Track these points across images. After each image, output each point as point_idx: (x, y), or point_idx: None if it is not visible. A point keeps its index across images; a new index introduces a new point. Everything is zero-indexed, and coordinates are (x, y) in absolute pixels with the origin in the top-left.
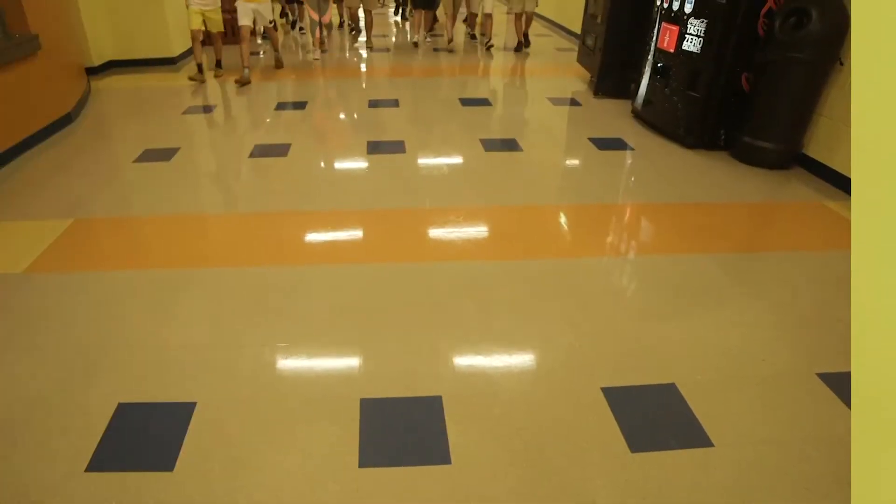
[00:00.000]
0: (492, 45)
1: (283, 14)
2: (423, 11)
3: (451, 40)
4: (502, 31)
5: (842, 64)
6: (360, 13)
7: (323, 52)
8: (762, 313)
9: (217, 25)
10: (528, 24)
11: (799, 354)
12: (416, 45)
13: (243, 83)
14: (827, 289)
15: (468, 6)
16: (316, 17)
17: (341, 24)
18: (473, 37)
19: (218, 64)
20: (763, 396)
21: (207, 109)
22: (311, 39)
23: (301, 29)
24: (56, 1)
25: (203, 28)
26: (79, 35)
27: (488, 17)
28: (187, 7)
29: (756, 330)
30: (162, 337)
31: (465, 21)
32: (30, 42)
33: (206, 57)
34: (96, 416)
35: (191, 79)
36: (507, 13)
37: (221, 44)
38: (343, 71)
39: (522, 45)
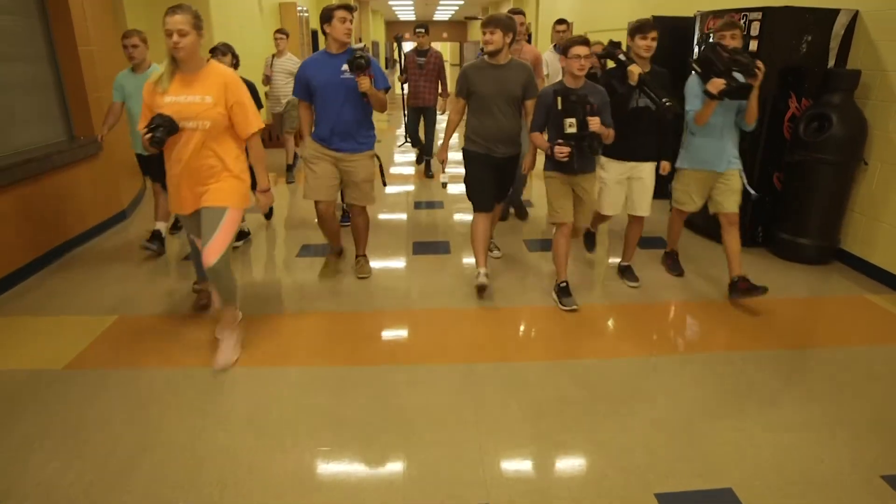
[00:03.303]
0: (637, 284)
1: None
2: (491, 214)
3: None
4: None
5: (866, 164)
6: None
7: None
8: (816, 412)
9: None
10: (674, 242)
11: (859, 455)
12: (481, 290)
13: None
14: (880, 385)
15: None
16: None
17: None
18: (589, 237)
19: None
20: (826, 501)
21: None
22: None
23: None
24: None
25: None
26: None
27: (638, 222)
28: None
29: (811, 429)
30: (201, 439)
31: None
32: (92, 144)
33: None
34: None
35: None
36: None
37: None
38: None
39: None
